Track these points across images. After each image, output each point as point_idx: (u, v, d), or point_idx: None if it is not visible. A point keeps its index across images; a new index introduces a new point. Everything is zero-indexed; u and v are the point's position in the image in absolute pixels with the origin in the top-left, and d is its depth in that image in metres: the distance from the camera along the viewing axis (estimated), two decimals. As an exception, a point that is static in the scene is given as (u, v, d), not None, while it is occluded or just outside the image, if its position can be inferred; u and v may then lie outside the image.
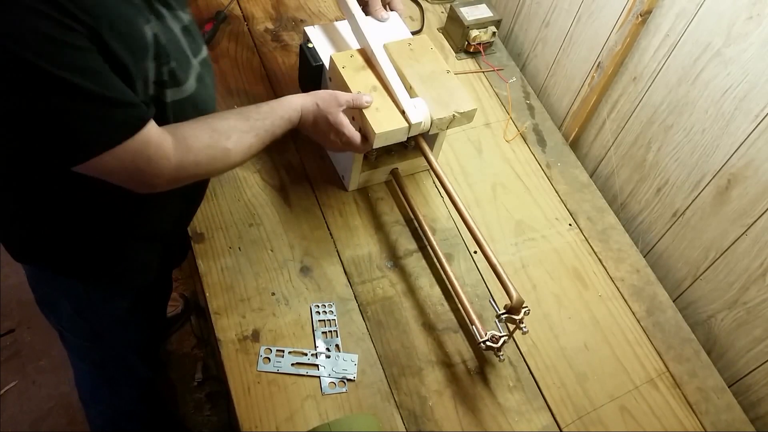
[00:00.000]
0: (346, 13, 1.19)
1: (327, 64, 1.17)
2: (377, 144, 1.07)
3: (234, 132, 0.92)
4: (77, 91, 0.71)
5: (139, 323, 1.29)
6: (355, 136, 1.06)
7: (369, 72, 1.13)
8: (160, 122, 0.86)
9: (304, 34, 1.22)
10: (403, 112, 1.08)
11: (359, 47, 1.17)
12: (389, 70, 1.11)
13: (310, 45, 1.20)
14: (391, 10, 1.26)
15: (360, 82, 1.11)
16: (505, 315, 1.01)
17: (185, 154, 0.86)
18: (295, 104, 1.02)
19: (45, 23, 0.67)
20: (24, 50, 0.67)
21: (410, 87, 1.12)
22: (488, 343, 1.02)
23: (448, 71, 1.16)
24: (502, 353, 1.03)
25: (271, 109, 0.99)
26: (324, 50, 1.20)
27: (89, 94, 0.72)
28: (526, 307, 1.01)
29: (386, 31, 1.22)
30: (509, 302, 1.00)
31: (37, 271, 1.11)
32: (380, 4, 1.23)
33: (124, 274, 1.10)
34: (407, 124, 1.07)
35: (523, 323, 1.01)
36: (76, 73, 0.71)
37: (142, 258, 1.10)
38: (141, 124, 0.79)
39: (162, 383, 1.65)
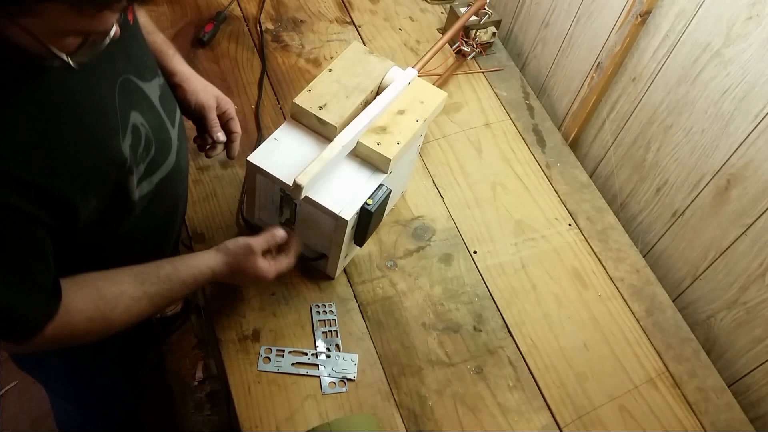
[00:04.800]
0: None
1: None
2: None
3: (122, 300, 0.83)
4: None
5: (128, 358, 1.26)
6: (275, 271, 0.98)
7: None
8: (136, 207, 0.83)
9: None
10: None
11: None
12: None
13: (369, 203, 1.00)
14: (231, 131, 1.04)
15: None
16: None
17: (63, 328, 0.78)
18: (202, 266, 0.92)
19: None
20: None
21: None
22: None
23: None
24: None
25: (174, 270, 0.89)
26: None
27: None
28: None
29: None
30: None
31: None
32: (218, 124, 1.03)
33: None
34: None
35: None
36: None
37: None
38: (37, 327, 0.75)
39: (148, 401, 1.65)
